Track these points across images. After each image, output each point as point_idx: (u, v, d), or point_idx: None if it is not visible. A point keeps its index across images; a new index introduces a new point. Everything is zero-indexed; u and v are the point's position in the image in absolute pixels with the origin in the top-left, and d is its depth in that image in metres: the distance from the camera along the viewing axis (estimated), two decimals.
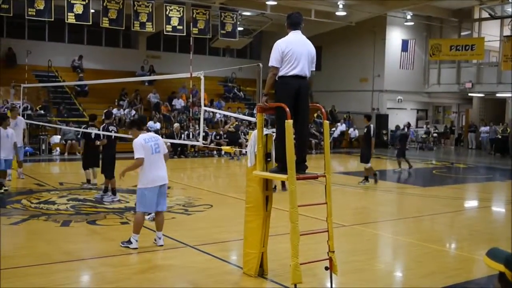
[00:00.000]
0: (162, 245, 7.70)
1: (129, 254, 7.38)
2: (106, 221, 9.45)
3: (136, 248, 7.51)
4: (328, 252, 6.02)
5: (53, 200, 11.18)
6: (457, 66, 30.67)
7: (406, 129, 21.09)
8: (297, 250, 5.62)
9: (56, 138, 21.64)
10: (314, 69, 6.32)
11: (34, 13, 21.56)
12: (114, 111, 22.45)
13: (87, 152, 12.52)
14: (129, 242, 7.57)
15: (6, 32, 26.81)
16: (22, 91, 17.84)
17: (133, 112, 24.44)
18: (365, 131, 15.22)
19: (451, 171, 20.27)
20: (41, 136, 21.50)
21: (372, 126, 14.81)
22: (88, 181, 12.81)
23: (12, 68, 25.06)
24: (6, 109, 20.72)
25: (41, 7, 22.13)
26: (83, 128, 12.72)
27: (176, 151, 21.60)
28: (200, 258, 7.34)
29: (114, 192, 11.31)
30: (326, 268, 5.98)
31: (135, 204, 8.07)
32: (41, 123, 20.80)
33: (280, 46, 6.11)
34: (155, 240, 7.79)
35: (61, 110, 23.88)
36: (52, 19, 22.26)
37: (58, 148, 21.37)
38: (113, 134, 11.29)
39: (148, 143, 7.55)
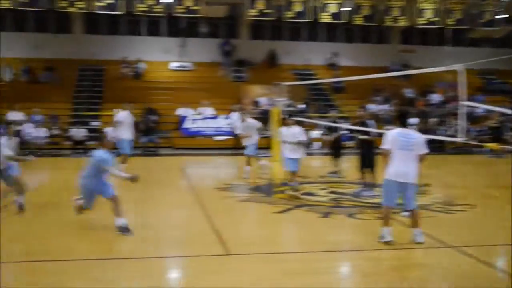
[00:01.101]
0: (420, 243, 7.50)
1: (385, 250, 7.37)
2: (364, 215, 9.63)
3: (388, 242, 7.46)
4: None
5: (314, 192, 11.84)
6: None
7: None
8: None
9: (315, 134, 22.71)
10: None
11: (292, 15, 23.03)
12: (370, 106, 22.75)
13: (333, 145, 14.60)
14: (382, 236, 7.59)
15: (266, 35, 29.11)
16: (283, 89, 19.13)
17: (392, 107, 24.34)
18: None
19: None
20: None
21: None
22: (334, 171, 14.28)
23: (274, 68, 27.19)
24: (270, 106, 22.54)
25: (299, 9, 23.55)
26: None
27: (434, 147, 20.84)
28: (461, 261, 7.01)
29: (373, 187, 11.47)
30: None
31: None
32: (301, 119, 22.04)
33: None
34: (413, 237, 7.62)
35: (319, 106, 25.03)
36: (312, 20, 23.52)
37: (318, 143, 22.38)
38: (371, 130, 11.47)
39: (400, 137, 7.52)
